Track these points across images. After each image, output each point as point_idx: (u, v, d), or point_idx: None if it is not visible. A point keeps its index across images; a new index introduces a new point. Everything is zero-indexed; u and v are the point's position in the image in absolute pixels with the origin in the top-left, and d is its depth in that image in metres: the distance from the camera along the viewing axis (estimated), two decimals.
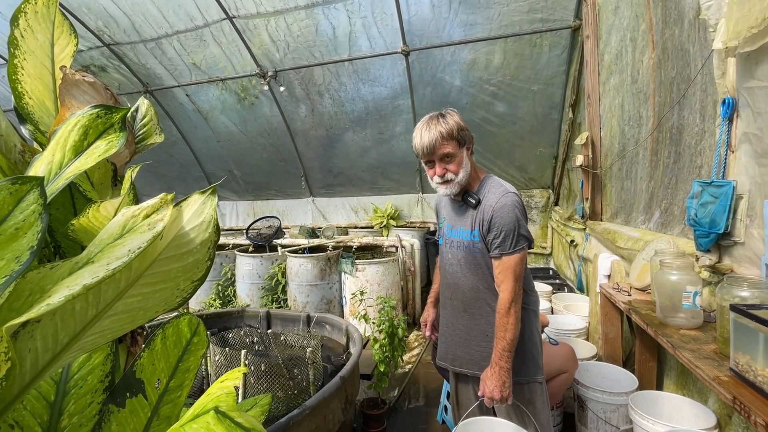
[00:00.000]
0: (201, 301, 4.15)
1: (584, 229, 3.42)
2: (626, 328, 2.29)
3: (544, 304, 3.10)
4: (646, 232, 2.31)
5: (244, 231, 4.50)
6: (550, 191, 4.98)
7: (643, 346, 2.03)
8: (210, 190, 0.54)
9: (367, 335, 3.05)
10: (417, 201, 5.52)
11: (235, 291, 4.10)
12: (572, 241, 3.71)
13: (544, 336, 2.06)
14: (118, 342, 0.70)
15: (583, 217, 3.43)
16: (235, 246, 4.49)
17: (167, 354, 0.73)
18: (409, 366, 3.08)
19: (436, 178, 1.41)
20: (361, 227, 5.59)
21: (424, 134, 1.38)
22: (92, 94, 1.02)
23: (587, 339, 2.62)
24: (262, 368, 1.76)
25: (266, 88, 4.74)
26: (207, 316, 2.93)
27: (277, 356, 2.24)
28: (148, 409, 0.66)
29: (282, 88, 4.75)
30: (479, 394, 1.39)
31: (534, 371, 1.48)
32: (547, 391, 1.54)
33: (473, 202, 1.43)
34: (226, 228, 6.56)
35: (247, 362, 1.80)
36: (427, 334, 1.82)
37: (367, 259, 4.11)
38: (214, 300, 4.06)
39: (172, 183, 6.83)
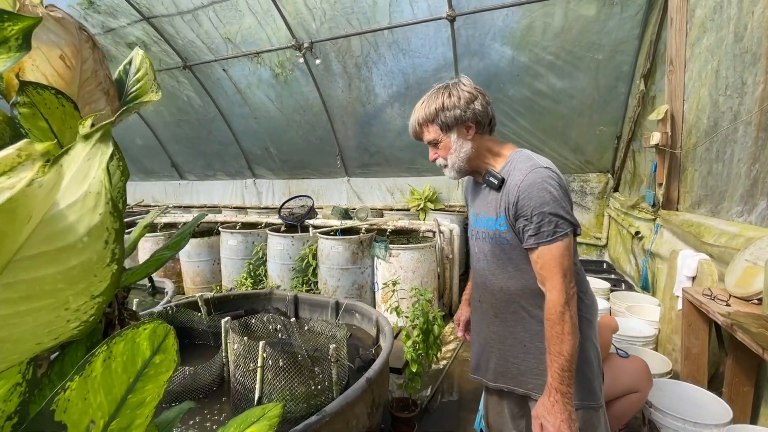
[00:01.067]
0: (233, 279, 4.13)
1: (654, 219, 2.95)
2: (713, 343, 1.89)
3: (601, 304, 2.72)
4: (746, 227, 1.87)
5: (278, 210, 4.39)
6: (610, 176, 4.44)
7: (737, 367, 1.65)
8: (99, 134, 0.30)
9: (399, 325, 2.83)
10: (457, 183, 5.16)
11: (266, 271, 4.02)
12: (637, 233, 3.24)
13: (611, 349, 1.73)
14: (33, 365, 0.49)
15: (654, 205, 2.95)
16: (267, 225, 4.40)
17: (110, 382, 0.52)
18: (445, 362, 2.84)
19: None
20: (397, 209, 5.34)
21: (410, 118, 1.27)
22: (59, 33, 0.81)
23: (656, 349, 2.23)
24: (281, 364, 1.58)
25: (302, 60, 4.51)
26: (234, 297, 2.83)
27: (300, 347, 2.07)
28: None
29: (318, 61, 4.51)
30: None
31: (587, 395, 1.17)
32: (606, 419, 1.23)
33: (495, 183, 1.18)
34: (262, 206, 6.55)
35: (265, 355, 1.63)
36: (460, 334, 1.59)
37: (402, 243, 3.86)
38: (246, 279, 4.01)
39: (211, 160, 6.89)
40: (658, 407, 1.63)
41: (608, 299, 2.82)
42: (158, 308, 2.47)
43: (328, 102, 5.03)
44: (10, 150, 0.28)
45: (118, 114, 0.99)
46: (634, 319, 2.40)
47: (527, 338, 1.20)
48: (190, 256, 4.27)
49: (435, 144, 1.23)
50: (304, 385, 1.57)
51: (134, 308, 2.37)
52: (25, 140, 0.28)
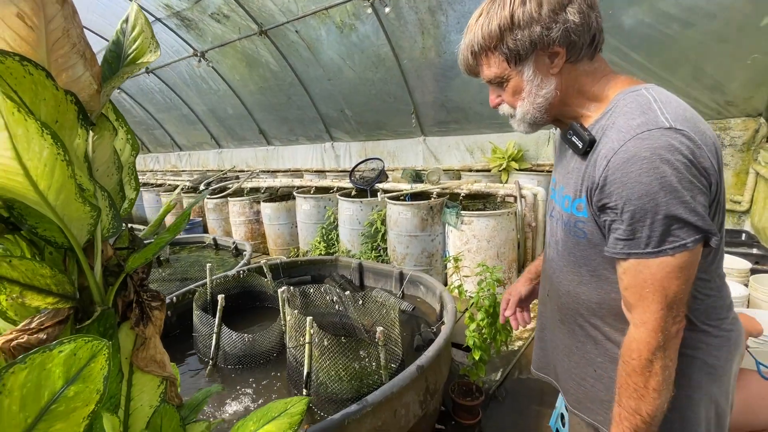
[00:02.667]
0: (309, 242, 4.26)
1: None
2: None
3: (736, 290, 2.11)
4: None
5: (349, 174, 4.33)
6: (762, 120, 3.39)
7: None
8: None
9: (468, 295, 2.60)
10: (548, 138, 4.49)
11: (337, 235, 4.05)
12: None
13: (746, 361, 1.28)
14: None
15: None
16: (339, 189, 4.39)
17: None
18: (521, 343, 2.55)
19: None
20: (477, 170, 4.89)
21: (461, 43, 0.83)
22: None
23: None
24: (325, 343, 1.50)
25: (370, 11, 4.19)
26: (302, 263, 2.87)
27: (356, 320, 1.99)
28: None
29: (387, 9, 4.14)
30: None
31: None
32: None
33: (579, 145, 0.76)
34: (339, 169, 6.62)
35: (312, 332, 1.56)
36: (507, 314, 1.18)
37: (478, 209, 3.51)
38: (319, 243, 4.10)
39: (293, 125, 7.11)
40: None
41: (747, 284, 2.18)
42: (232, 272, 2.61)
43: (400, 55, 4.67)
44: None
45: (111, 81, 0.89)
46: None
47: (599, 362, 0.85)
48: (271, 219, 4.50)
49: (499, 83, 0.81)
50: (349, 368, 1.47)
51: (207, 273, 2.53)
52: None
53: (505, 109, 0.85)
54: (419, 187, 3.65)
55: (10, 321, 0.83)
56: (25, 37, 0.71)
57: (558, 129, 0.92)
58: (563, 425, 1.74)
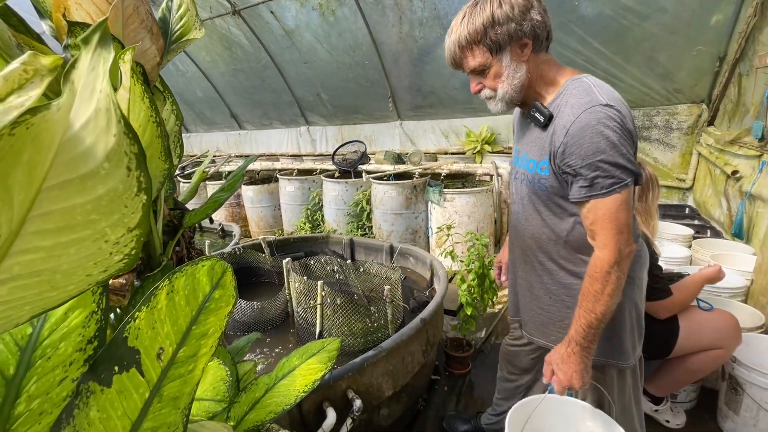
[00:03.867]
0: (293, 224, 4.33)
1: (760, 156, 2.51)
2: None
3: (681, 252, 2.46)
4: None
5: (331, 156, 4.42)
6: (704, 106, 3.81)
7: None
8: (97, 37, 0.26)
9: (454, 270, 2.81)
10: None
11: (323, 216, 4.16)
12: (734, 173, 2.80)
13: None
14: (105, 295, 0.52)
15: (761, 139, 2.50)
16: (322, 171, 4.47)
17: (175, 314, 0.54)
18: (500, 306, 2.82)
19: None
20: (452, 153, 5.12)
21: (446, 41, 1.02)
22: None
23: (746, 302, 2.00)
24: (338, 302, 1.65)
25: None
26: (294, 240, 2.97)
27: (356, 287, 2.15)
28: (145, 388, 0.48)
29: None
30: (544, 380, 1.04)
31: (616, 353, 1.07)
32: (634, 378, 1.13)
33: (540, 120, 0.99)
34: (316, 154, 6.65)
35: (323, 293, 1.70)
36: (502, 279, 1.46)
37: (457, 188, 3.73)
38: (304, 224, 4.19)
39: (267, 109, 7.02)
40: (742, 362, 1.48)
41: (690, 246, 2.53)
42: (227, 249, 2.68)
43: (378, 39, 4.75)
44: (15, 65, 0.25)
45: (167, 56, 0.97)
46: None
47: (554, 289, 1.10)
48: (253, 202, 4.52)
49: (481, 71, 0.99)
50: (360, 323, 1.63)
51: (207, 250, 2.59)
52: (29, 53, 0.25)
53: (486, 92, 1.03)
54: (402, 167, 3.82)
55: None
56: (105, 12, 0.80)
57: (520, 110, 1.16)
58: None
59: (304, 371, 1.08)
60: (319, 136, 6.80)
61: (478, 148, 4.78)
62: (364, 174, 3.96)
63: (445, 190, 3.32)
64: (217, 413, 0.64)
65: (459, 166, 3.67)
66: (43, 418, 0.42)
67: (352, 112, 6.14)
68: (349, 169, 4.07)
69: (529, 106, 1.03)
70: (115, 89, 0.75)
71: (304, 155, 6.71)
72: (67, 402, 0.44)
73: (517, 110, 1.20)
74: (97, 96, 0.25)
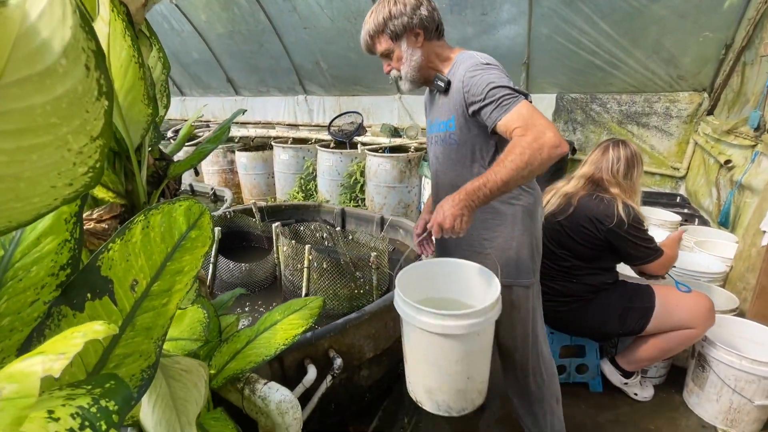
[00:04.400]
0: (286, 192, 4.32)
1: (754, 146, 2.51)
2: None
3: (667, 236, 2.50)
4: None
5: (327, 127, 4.35)
6: (705, 95, 3.78)
7: None
8: None
9: None
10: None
11: (316, 186, 4.14)
12: (727, 162, 2.81)
13: (668, 279, 1.60)
14: (80, 225, 0.52)
15: (757, 129, 2.50)
16: (317, 141, 4.42)
17: (150, 249, 0.54)
18: None
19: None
20: None
21: (361, 32, 1.25)
22: None
23: (723, 287, 2.05)
24: (325, 266, 1.67)
25: None
26: (285, 207, 2.97)
27: (344, 254, 2.17)
28: (118, 316, 0.49)
29: None
30: (428, 225, 1.06)
31: (519, 274, 1.25)
32: (535, 296, 1.30)
33: (442, 85, 1.20)
34: (313, 124, 6.55)
35: (311, 257, 1.72)
36: (415, 243, 1.34)
37: None
38: (297, 193, 4.18)
39: (264, 76, 6.84)
40: (712, 341, 1.53)
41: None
42: (218, 213, 2.68)
43: None
44: None
45: None
46: (704, 254, 2.19)
47: (490, 219, 1.24)
48: (247, 168, 4.48)
49: (387, 55, 1.23)
50: (346, 288, 1.66)
51: None
52: None
53: (394, 73, 1.24)
54: (398, 141, 3.78)
55: None
56: None
57: (428, 89, 1.37)
58: None
59: (285, 326, 1.10)
60: (317, 106, 6.68)
61: None
62: (359, 146, 3.92)
63: None
64: (192, 350, 0.66)
65: None
66: (14, 335, 0.43)
67: (352, 83, 6.02)
68: (344, 140, 4.03)
69: (431, 82, 1.24)
70: (92, 19, 0.72)
71: (301, 125, 6.60)
72: (38, 322, 0.44)
73: (426, 93, 1.41)
74: None
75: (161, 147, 1.11)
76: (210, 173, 4.79)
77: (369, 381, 1.67)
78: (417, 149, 3.67)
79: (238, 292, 1.29)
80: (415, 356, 1.09)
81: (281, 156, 4.25)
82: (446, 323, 0.96)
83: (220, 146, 4.77)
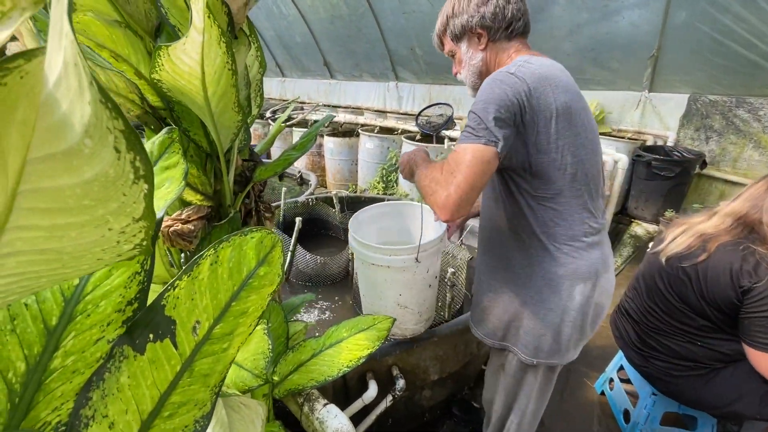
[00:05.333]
0: (367, 181, 4.34)
1: None
2: None
3: None
4: None
5: (415, 117, 4.23)
6: None
7: None
8: None
9: None
10: (637, 102, 4.08)
11: (397, 178, 4.08)
12: None
13: None
14: (151, 258, 0.49)
15: None
16: (403, 132, 4.33)
17: (216, 287, 0.50)
18: None
19: None
20: None
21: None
22: None
23: None
24: None
25: None
26: (365, 199, 2.95)
27: None
28: (177, 360, 0.46)
29: None
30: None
31: (516, 340, 1.08)
32: (544, 379, 1.12)
33: None
34: (401, 111, 6.48)
35: None
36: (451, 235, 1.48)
37: None
38: (378, 183, 4.17)
39: (359, 60, 6.92)
40: None
41: None
42: (302, 198, 2.76)
43: None
44: None
45: None
46: None
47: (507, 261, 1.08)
48: (333, 153, 4.59)
49: (452, 56, 1.12)
50: None
51: (283, 196, 2.69)
52: None
53: (459, 76, 1.12)
54: None
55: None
56: None
57: None
58: (611, 389, 1.79)
59: (351, 345, 1.05)
60: (407, 93, 6.58)
61: None
62: (446, 140, 3.74)
63: None
64: (252, 388, 0.63)
65: None
66: (75, 377, 0.41)
67: (445, 71, 5.78)
68: (431, 133, 3.87)
69: None
70: (184, 31, 0.70)
71: (389, 112, 6.58)
72: (99, 364, 0.42)
73: None
74: (63, 42, 0.17)
75: (255, 130, 1.11)
76: None
77: (430, 402, 1.58)
78: None
79: (308, 298, 1.28)
80: (362, 282, 1.41)
81: (366, 144, 4.26)
82: (376, 255, 1.22)
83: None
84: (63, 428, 0.39)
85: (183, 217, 0.90)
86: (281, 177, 4.27)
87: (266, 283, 0.55)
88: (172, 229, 0.87)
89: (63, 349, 0.42)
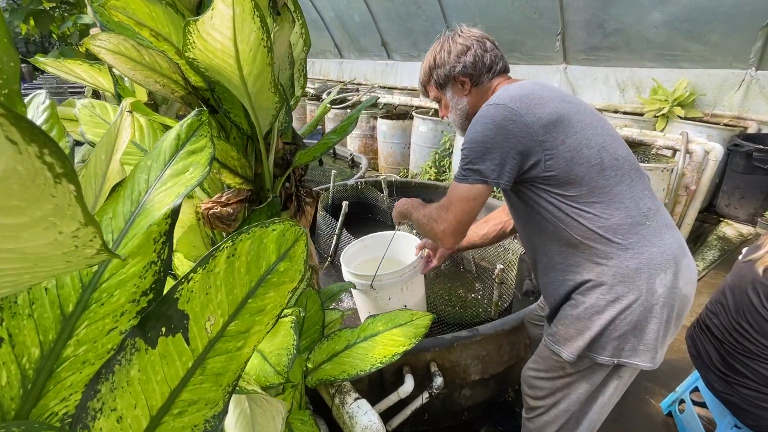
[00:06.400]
0: (419, 165, 4.23)
1: None
2: None
3: None
4: None
5: None
6: None
7: None
8: None
9: None
10: (740, 82, 3.50)
11: (450, 163, 3.93)
12: None
13: None
14: (169, 245, 0.47)
15: None
16: None
17: (232, 282, 0.47)
18: None
19: None
20: (625, 113, 4.13)
21: None
22: None
23: None
24: (441, 267, 1.51)
25: None
26: (415, 185, 2.87)
27: (467, 259, 1.97)
28: (189, 357, 0.44)
29: None
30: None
31: (565, 343, 0.98)
32: (593, 384, 1.02)
33: None
34: None
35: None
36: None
37: None
38: (430, 168, 4.04)
39: (417, 39, 6.71)
40: None
41: None
42: (351, 182, 2.75)
43: None
44: None
45: None
46: None
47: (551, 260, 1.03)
48: (386, 136, 4.53)
49: (439, 101, 1.18)
50: (461, 296, 1.48)
51: (332, 179, 2.69)
52: None
53: (447, 119, 1.19)
54: None
55: (204, 192, 0.97)
56: None
57: None
58: (681, 411, 1.59)
59: (386, 340, 1.01)
60: None
61: (665, 110, 3.72)
62: None
63: None
64: (272, 385, 0.60)
65: (631, 132, 2.91)
66: (85, 367, 0.41)
67: (509, 50, 5.40)
68: None
69: None
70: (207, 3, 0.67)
71: None
72: (110, 355, 0.41)
73: None
74: None
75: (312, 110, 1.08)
76: (352, 137, 5.01)
77: (470, 402, 1.50)
78: None
79: (347, 286, 1.25)
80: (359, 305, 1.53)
81: (420, 128, 4.13)
82: (347, 275, 1.38)
83: (364, 111, 4.91)
84: (69, 420, 0.38)
85: (223, 200, 0.90)
86: (335, 158, 4.31)
87: (286, 280, 0.51)
88: (211, 211, 0.87)
89: (76, 337, 0.41)
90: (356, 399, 0.95)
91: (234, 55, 0.65)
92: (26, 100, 0.66)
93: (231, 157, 0.87)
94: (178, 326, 0.44)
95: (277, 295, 0.50)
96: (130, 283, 0.44)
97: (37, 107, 0.64)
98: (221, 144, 0.84)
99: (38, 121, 0.63)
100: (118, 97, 0.95)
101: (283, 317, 0.75)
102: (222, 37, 0.60)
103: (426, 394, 1.25)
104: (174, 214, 0.46)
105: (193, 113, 0.57)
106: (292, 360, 0.61)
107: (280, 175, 1.00)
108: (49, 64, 0.89)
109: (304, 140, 1.12)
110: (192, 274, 0.45)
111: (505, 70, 1.09)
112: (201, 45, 0.61)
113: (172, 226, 0.47)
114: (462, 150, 0.97)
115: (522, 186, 0.97)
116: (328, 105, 1.20)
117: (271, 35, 0.87)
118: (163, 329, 0.44)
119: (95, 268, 0.44)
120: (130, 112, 0.61)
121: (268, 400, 0.60)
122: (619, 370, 1.02)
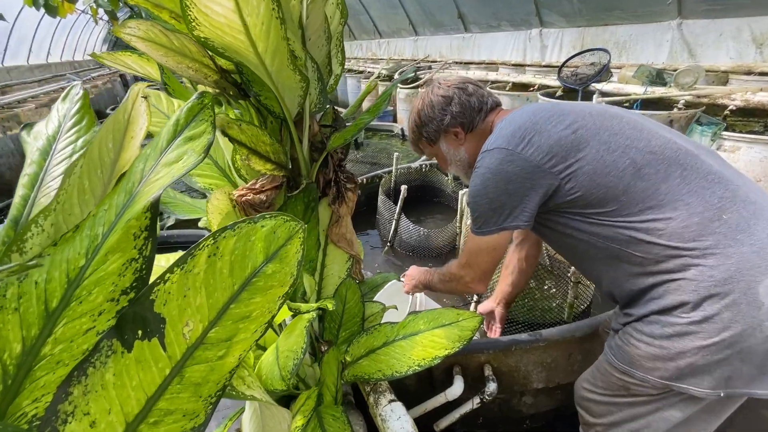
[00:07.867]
0: None
1: None
2: None
3: None
4: None
5: (558, 69, 3.55)
6: None
7: None
8: None
9: None
10: None
11: None
12: None
13: None
14: (152, 240, 0.43)
15: None
16: (540, 87, 3.71)
17: (213, 284, 0.42)
18: None
19: None
20: (762, 74, 3.33)
21: None
22: None
23: None
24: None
25: None
26: None
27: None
28: (165, 363, 0.41)
29: None
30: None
31: (645, 366, 0.79)
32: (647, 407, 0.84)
33: None
34: (543, 64, 5.61)
35: None
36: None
37: (753, 131, 2.43)
38: None
39: (497, 8, 6.18)
40: None
41: None
42: (416, 164, 2.64)
43: None
44: None
45: None
46: None
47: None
48: None
49: (435, 156, 1.13)
50: (530, 294, 1.32)
51: (395, 162, 2.61)
52: None
53: (450, 172, 1.21)
54: (659, 91, 2.71)
55: (242, 178, 0.97)
56: None
57: None
58: None
59: (426, 341, 0.92)
60: (552, 41, 5.64)
61: None
62: (595, 96, 3.05)
63: (724, 133, 2.19)
64: (275, 391, 0.56)
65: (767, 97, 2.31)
66: (59, 368, 0.39)
67: (605, 9, 4.69)
68: (576, 88, 3.20)
69: None
70: None
71: (528, 65, 5.77)
72: (84, 356, 0.39)
73: None
74: None
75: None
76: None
77: (532, 410, 1.35)
78: (688, 105, 2.54)
79: (392, 278, 1.18)
80: None
81: None
82: None
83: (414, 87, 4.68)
84: (38, 422, 0.37)
85: (257, 186, 0.88)
86: (404, 140, 4.20)
87: (275, 284, 0.44)
88: (244, 198, 0.85)
89: (54, 335, 0.40)
90: (390, 401, 0.88)
91: (243, 30, 0.59)
92: (63, 93, 0.68)
93: (262, 143, 0.84)
94: (154, 330, 0.41)
95: (264, 300, 0.44)
96: (108, 281, 0.42)
97: (72, 98, 0.66)
98: (251, 129, 0.81)
99: (71, 111, 0.65)
100: (164, 86, 0.98)
101: (302, 314, 0.70)
102: (222, 9, 0.54)
103: (477, 399, 1.14)
104: (153, 207, 0.43)
105: (194, 96, 0.53)
106: (297, 365, 0.56)
107: (317, 160, 0.95)
108: (105, 58, 0.94)
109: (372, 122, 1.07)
110: (169, 275, 0.41)
111: (496, 105, 1.03)
112: (204, 21, 0.56)
113: (152, 220, 0.43)
114: (468, 205, 0.97)
115: (551, 215, 0.89)
116: (372, 84, 1.11)
117: (304, 7, 0.80)
118: (140, 332, 0.41)
119: (82, 262, 0.43)
120: (144, 97, 0.60)
121: (271, 407, 0.56)
122: (726, 401, 0.81)
